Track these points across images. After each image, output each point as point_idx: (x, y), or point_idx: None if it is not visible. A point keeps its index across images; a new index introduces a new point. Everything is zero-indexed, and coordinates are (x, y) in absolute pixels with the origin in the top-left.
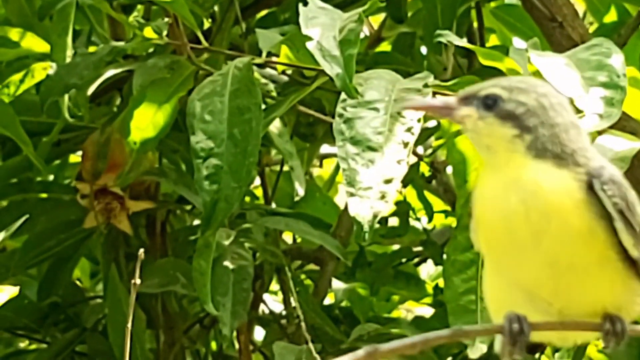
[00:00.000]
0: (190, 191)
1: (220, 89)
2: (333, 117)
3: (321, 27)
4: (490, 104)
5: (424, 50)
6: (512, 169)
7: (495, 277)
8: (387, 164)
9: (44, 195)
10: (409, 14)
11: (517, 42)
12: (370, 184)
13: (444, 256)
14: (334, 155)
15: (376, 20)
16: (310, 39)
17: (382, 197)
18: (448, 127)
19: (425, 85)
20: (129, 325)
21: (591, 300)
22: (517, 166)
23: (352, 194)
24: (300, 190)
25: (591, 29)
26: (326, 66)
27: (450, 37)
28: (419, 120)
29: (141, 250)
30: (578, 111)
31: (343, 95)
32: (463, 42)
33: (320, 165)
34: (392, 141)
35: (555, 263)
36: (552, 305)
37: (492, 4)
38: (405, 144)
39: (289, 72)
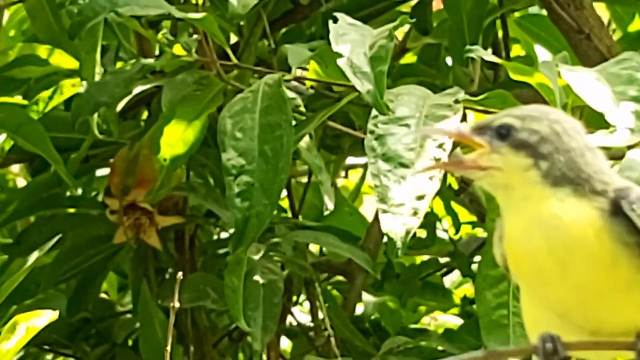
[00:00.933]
0: (219, 205)
1: (251, 106)
2: (359, 130)
3: (351, 44)
4: (504, 133)
5: (449, 60)
6: (532, 204)
7: (529, 300)
8: (419, 181)
9: (73, 210)
10: (434, 25)
11: (540, 51)
12: (403, 201)
13: (474, 269)
14: (360, 165)
15: (401, 31)
16: (340, 55)
17: (414, 213)
18: None
19: (456, 101)
20: (168, 347)
21: (622, 321)
22: (536, 200)
23: (384, 211)
24: (330, 205)
25: (615, 37)
26: (357, 83)
27: (479, 52)
28: (450, 136)
29: (179, 274)
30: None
31: (374, 112)
32: (492, 57)
33: (346, 176)
34: (424, 157)
35: (582, 291)
36: (584, 328)
37: (517, 14)
38: (437, 160)
39: (315, 85)
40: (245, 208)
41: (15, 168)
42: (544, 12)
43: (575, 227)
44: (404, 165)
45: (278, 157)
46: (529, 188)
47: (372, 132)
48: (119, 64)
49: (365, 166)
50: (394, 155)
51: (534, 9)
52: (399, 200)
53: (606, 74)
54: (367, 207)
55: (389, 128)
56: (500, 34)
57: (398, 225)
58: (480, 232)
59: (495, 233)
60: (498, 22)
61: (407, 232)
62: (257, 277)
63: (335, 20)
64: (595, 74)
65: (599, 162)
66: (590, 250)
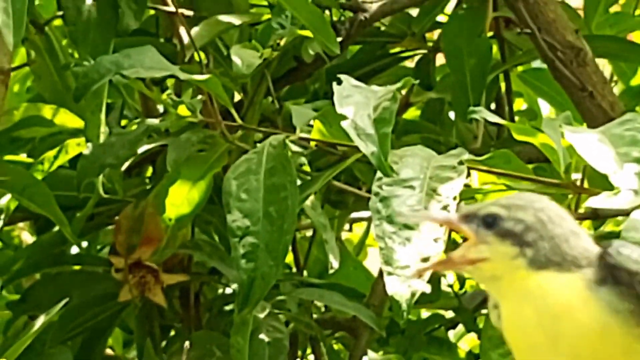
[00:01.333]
0: (225, 264)
1: (256, 167)
2: (362, 188)
3: (355, 106)
4: (490, 222)
5: (452, 114)
6: (519, 286)
7: None
8: (424, 243)
9: (78, 267)
10: (437, 79)
11: (543, 105)
12: (408, 263)
13: (477, 323)
14: (364, 219)
15: None
16: (344, 117)
17: (420, 275)
18: (481, 199)
19: (460, 162)
20: None
21: None
22: (522, 281)
23: (389, 273)
24: (335, 263)
25: (616, 89)
26: (361, 145)
27: (483, 114)
28: (454, 198)
29: (186, 343)
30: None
31: (379, 174)
32: (496, 118)
33: (350, 230)
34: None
35: None
36: None
37: (520, 68)
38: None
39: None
40: (250, 269)
41: (21, 223)
42: (546, 66)
43: (562, 297)
44: (408, 227)
45: (283, 218)
46: (515, 275)
47: (376, 194)
48: (123, 122)
49: (369, 219)
50: None
51: (536, 63)
52: (404, 262)
53: (609, 135)
54: (372, 260)
55: (394, 190)
56: (503, 88)
57: (403, 287)
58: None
59: (489, 301)
60: (501, 76)
61: (413, 294)
62: (262, 336)
63: (340, 82)
64: (599, 135)
65: (583, 244)
66: (578, 320)
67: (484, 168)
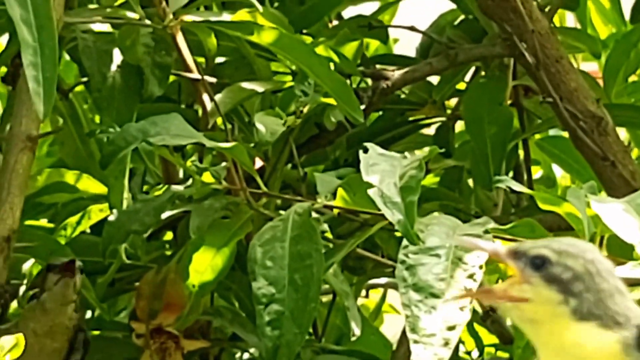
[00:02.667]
0: (245, 330)
1: (281, 234)
2: (384, 256)
3: (381, 174)
4: (538, 264)
5: (470, 181)
6: (557, 336)
7: None
8: (450, 311)
9: (97, 332)
10: (456, 146)
11: (557, 170)
12: (434, 331)
13: None
14: (380, 285)
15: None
16: (371, 185)
17: (445, 343)
18: (505, 269)
19: (486, 231)
20: None
21: None
22: (561, 330)
23: (416, 341)
24: (357, 330)
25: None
26: (388, 213)
27: (508, 183)
28: (480, 267)
29: None
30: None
31: (405, 242)
32: (521, 188)
33: (367, 296)
34: (454, 288)
35: None
36: None
37: (537, 136)
38: (468, 290)
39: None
40: (275, 337)
41: None
42: (564, 133)
43: (597, 356)
44: (434, 296)
45: (308, 286)
46: (555, 322)
47: (402, 262)
48: (145, 188)
49: (386, 286)
50: (424, 286)
51: (552, 131)
52: (430, 330)
53: (635, 205)
54: (388, 327)
55: (420, 258)
56: (521, 155)
57: (429, 355)
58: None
59: None
60: (519, 143)
61: None
62: None
63: (365, 150)
64: (624, 205)
65: (626, 304)
66: None
67: (508, 237)
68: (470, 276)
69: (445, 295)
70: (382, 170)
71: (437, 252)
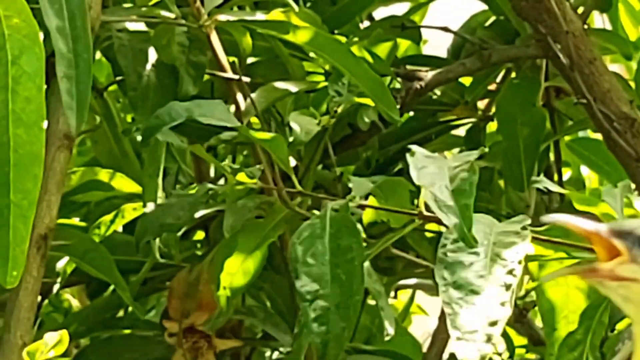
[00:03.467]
0: (279, 329)
1: (320, 231)
2: (416, 255)
3: (431, 177)
4: None
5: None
6: None
7: None
8: (491, 307)
9: (129, 331)
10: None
11: (584, 170)
12: (476, 327)
13: None
14: (409, 286)
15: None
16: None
17: (488, 339)
18: (537, 272)
19: (524, 228)
20: None
21: None
22: None
23: (458, 338)
24: (391, 330)
25: None
26: (443, 216)
27: (545, 183)
28: (519, 262)
29: None
30: None
31: (443, 241)
32: (559, 189)
33: (395, 297)
34: (494, 284)
35: None
36: None
37: (567, 138)
38: (508, 286)
39: None
40: (323, 332)
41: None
42: (594, 135)
43: None
44: (474, 292)
45: (351, 279)
46: None
47: (441, 260)
48: (177, 187)
49: (414, 287)
50: (464, 283)
51: (582, 132)
52: (472, 327)
53: None
54: (416, 327)
55: (459, 256)
56: (552, 157)
57: (473, 351)
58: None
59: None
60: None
61: (482, 358)
62: None
63: (412, 153)
64: None
65: None
66: None
67: (544, 238)
68: (510, 272)
69: (486, 291)
70: (432, 173)
71: (476, 250)
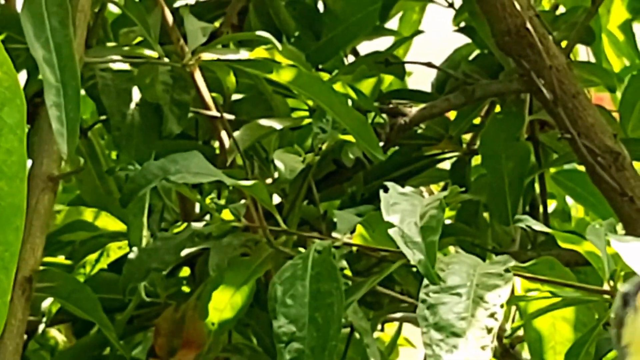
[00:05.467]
0: None
1: (301, 272)
2: (402, 292)
3: (402, 213)
4: None
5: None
6: None
7: None
8: (471, 350)
9: None
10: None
11: (570, 200)
12: None
13: None
14: (396, 319)
15: (437, 186)
16: (391, 224)
17: None
18: (524, 306)
19: (507, 270)
20: None
21: None
22: None
23: None
24: None
25: None
26: (408, 253)
27: (529, 222)
28: (501, 306)
29: None
30: None
31: (425, 281)
32: (542, 227)
33: (382, 329)
34: (476, 327)
35: None
36: None
37: (552, 170)
38: (489, 330)
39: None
40: None
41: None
42: (579, 167)
43: None
44: (456, 335)
45: (329, 324)
46: None
47: (424, 301)
48: (163, 225)
49: (401, 319)
50: (446, 325)
51: (567, 165)
52: None
53: None
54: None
55: (441, 297)
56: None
57: None
58: None
59: None
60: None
61: None
62: None
63: (385, 189)
64: None
65: None
66: None
67: (529, 275)
68: (492, 315)
69: (467, 334)
70: (403, 210)
71: (458, 291)
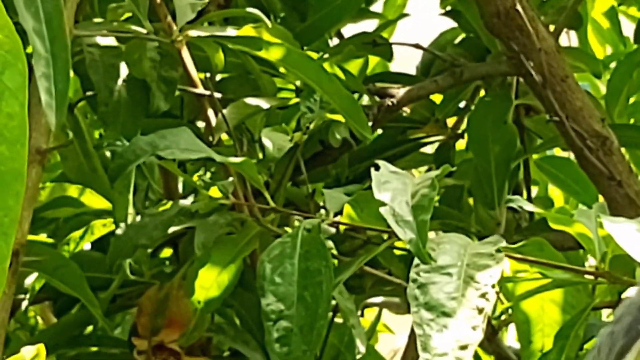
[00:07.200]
0: (249, 348)
1: (290, 251)
2: (388, 272)
3: (393, 192)
4: None
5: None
6: None
7: None
8: (462, 330)
9: (96, 349)
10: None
11: (554, 190)
12: (445, 350)
13: None
14: (376, 304)
15: (420, 171)
16: (382, 203)
17: None
18: (513, 288)
19: (498, 250)
20: None
21: None
22: None
23: None
24: (362, 348)
25: None
26: (399, 231)
27: (520, 202)
28: (492, 286)
29: None
30: None
31: (416, 261)
32: (533, 208)
33: (362, 315)
34: (466, 306)
35: None
36: None
37: (535, 156)
38: (480, 310)
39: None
40: (284, 354)
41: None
42: (563, 154)
43: None
44: (446, 315)
45: (317, 302)
46: None
47: (414, 280)
48: (147, 204)
49: (381, 305)
50: (436, 304)
51: (550, 151)
52: (442, 349)
53: None
54: (382, 345)
55: (431, 277)
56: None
57: None
58: None
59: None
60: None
61: None
62: None
63: (377, 167)
64: (636, 224)
65: None
66: None
67: (518, 256)
68: (483, 295)
69: (458, 314)
70: (394, 189)
71: (449, 270)
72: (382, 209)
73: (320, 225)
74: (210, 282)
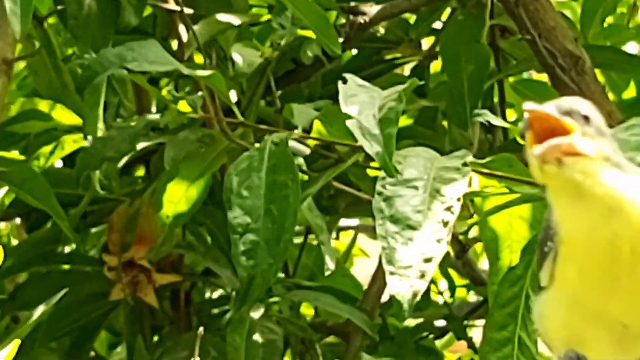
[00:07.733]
0: (219, 264)
1: (257, 164)
2: (358, 190)
3: (360, 105)
4: (587, 119)
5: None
6: (606, 192)
7: (567, 308)
8: (427, 243)
9: (68, 266)
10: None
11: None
12: (410, 263)
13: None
14: (351, 227)
15: None
16: (349, 116)
17: (422, 276)
18: (480, 204)
19: (464, 164)
20: None
21: None
22: (610, 187)
23: (392, 272)
24: (331, 265)
25: None
26: (366, 144)
27: (487, 117)
28: (458, 200)
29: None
30: None
31: (382, 174)
32: (502, 122)
33: (337, 238)
34: (432, 220)
35: None
36: (614, 332)
37: (511, 79)
38: (445, 223)
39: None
40: (250, 266)
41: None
42: (538, 76)
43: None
44: (411, 227)
45: (284, 216)
46: (605, 176)
47: (380, 193)
48: (118, 120)
49: (356, 228)
50: (401, 217)
51: (527, 74)
52: (407, 262)
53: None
54: (358, 269)
55: (397, 190)
56: (496, 98)
57: (405, 287)
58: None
59: (547, 258)
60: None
61: (414, 295)
62: (256, 337)
63: (345, 81)
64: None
65: None
66: None
67: (486, 171)
68: (448, 208)
69: (423, 227)
70: (361, 102)
71: (415, 184)
72: (348, 122)
73: (288, 139)
74: (178, 197)
